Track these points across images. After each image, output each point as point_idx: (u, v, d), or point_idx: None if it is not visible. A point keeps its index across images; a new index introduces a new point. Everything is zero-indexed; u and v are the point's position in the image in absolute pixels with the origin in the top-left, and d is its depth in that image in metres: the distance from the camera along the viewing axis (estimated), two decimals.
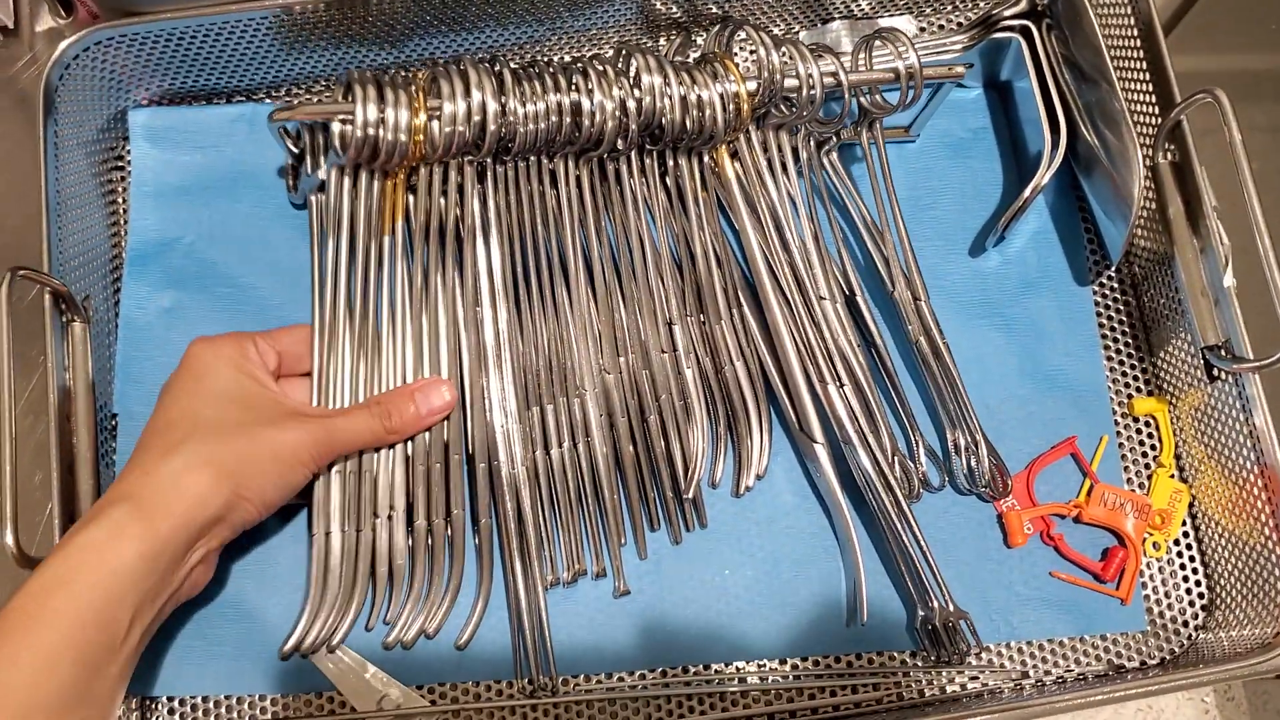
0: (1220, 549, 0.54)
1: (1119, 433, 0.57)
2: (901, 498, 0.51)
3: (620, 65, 0.53)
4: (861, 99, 0.55)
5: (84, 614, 0.39)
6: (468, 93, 0.50)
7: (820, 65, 0.52)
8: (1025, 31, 0.57)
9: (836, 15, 0.61)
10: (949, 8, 0.62)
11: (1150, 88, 0.55)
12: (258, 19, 0.53)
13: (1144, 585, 0.54)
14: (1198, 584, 0.55)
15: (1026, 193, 0.55)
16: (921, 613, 0.51)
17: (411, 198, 0.54)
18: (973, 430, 0.53)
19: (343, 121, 0.49)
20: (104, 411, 0.53)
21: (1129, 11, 0.56)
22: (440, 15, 0.55)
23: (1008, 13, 0.58)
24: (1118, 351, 0.58)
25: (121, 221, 0.58)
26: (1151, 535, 0.54)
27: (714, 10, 0.59)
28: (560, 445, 0.52)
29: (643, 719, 0.51)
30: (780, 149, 0.56)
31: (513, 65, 0.53)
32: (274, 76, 0.59)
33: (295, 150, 0.54)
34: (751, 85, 0.52)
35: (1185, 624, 0.54)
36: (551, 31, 0.58)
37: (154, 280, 0.56)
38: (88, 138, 0.56)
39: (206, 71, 0.57)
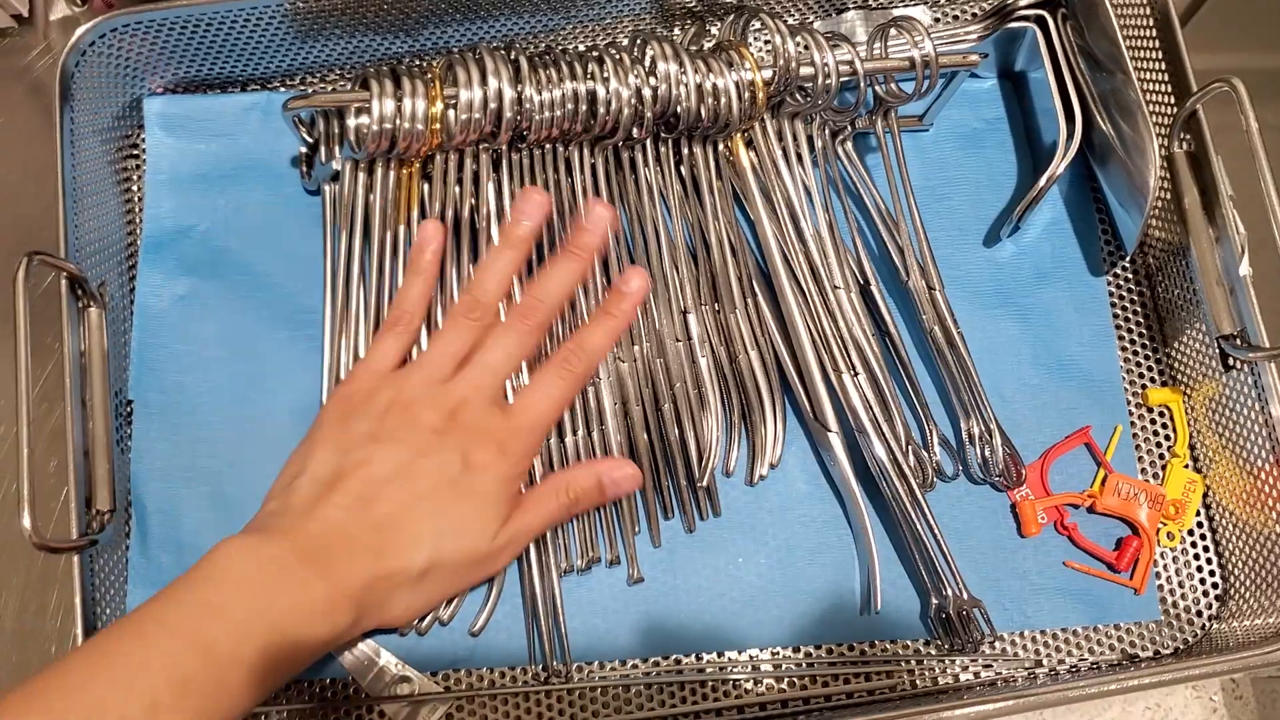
0: (1234, 539, 0.54)
1: (1133, 423, 0.57)
2: (915, 487, 0.51)
3: (636, 53, 0.53)
4: (877, 87, 0.55)
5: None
6: (484, 80, 0.50)
7: (836, 54, 0.52)
8: (1040, 21, 0.57)
9: (851, 4, 0.61)
10: None
11: (1166, 77, 0.55)
12: (273, 6, 0.53)
13: (1158, 575, 0.54)
14: (1211, 574, 0.55)
15: (1041, 182, 0.55)
16: (935, 601, 0.51)
17: (426, 186, 0.54)
18: (987, 420, 0.53)
19: (358, 113, 0.49)
20: (119, 398, 0.53)
21: (1145, 1, 0.56)
22: (456, 3, 0.55)
23: (1023, 2, 0.57)
24: (1132, 341, 0.58)
25: (136, 209, 0.58)
26: (1165, 525, 0.54)
27: None
28: (575, 433, 0.52)
29: (656, 705, 0.51)
30: (795, 138, 0.56)
31: (528, 53, 0.53)
32: (288, 65, 0.59)
33: (309, 139, 0.54)
34: (767, 74, 0.52)
35: (1199, 614, 0.54)
36: (567, 20, 0.58)
37: (169, 267, 0.56)
38: (103, 125, 0.56)
39: (221, 59, 0.57)
